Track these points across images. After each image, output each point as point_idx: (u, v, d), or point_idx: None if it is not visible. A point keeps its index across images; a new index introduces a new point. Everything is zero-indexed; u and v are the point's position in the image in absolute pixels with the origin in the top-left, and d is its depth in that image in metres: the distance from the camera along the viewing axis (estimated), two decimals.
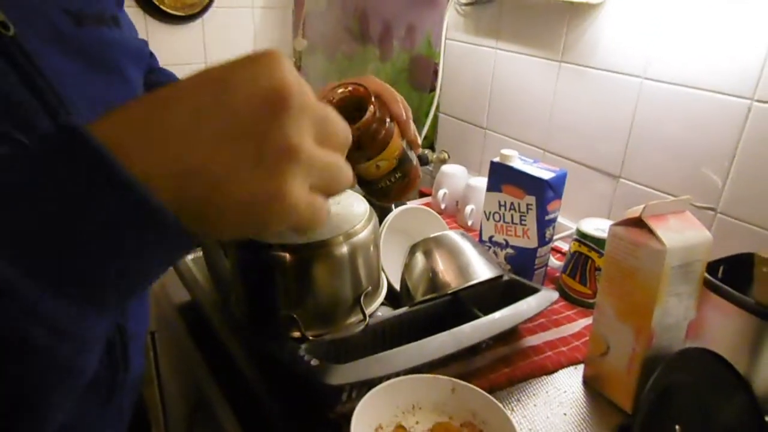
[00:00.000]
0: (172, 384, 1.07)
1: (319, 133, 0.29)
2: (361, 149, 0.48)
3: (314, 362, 0.59)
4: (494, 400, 0.57)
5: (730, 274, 0.67)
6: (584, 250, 0.83)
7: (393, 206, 0.87)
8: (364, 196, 0.55)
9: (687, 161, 0.84)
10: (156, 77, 0.67)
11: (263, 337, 0.66)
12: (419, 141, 0.58)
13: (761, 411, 0.60)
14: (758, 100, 0.74)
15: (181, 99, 0.26)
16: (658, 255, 0.58)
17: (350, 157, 0.46)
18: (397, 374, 0.59)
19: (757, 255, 0.57)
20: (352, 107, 0.48)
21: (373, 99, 0.48)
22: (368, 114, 0.47)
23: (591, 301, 0.85)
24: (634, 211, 0.61)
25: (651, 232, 0.59)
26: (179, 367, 0.94)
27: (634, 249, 0.61)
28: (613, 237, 0.63)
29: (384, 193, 0.52)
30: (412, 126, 0.55)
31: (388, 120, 0.49)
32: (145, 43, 0.61)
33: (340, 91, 0.49)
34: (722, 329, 0.66)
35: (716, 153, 0.80)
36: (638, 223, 0.60)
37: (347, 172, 0.31)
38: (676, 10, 0.82)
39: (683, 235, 0.59)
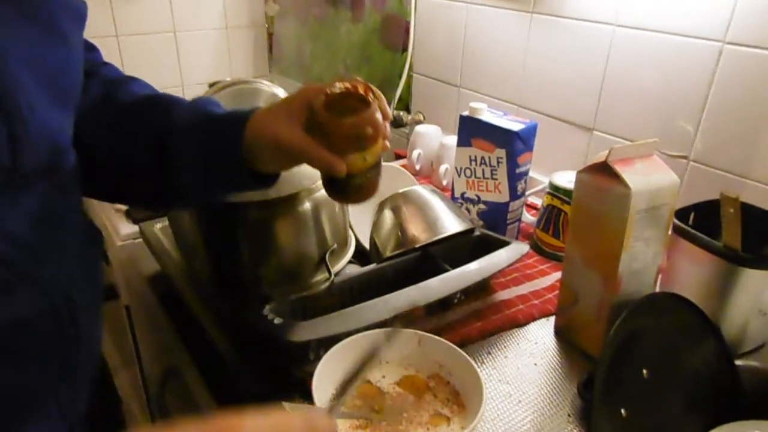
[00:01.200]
0: (147, 356, 1.06)
1: None
2: (358, 140, 0.49)
3: (277, 320, 0.58)
4: (460, 350, 0.57)
5: (700, 221, 0.66)
6: (557, 203, 0.82)
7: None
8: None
9: (660, 110, 0.83)
10: (123, 94, 0.57)
11: (228, 299, 0.65)
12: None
13: (730, 355, 0.60)
14: (729, 42, 0.73)
15: None
16: (623, 199, 0.57)
17: (344, 147, 0.49)
18: (363, 330, 0.58)
19: (723, 195, 0.56)
20: (347, 102, 0.51)
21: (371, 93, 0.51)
22: (372, 105, 0.50)
23: (563, 254, 0.84)
24: (600, 156, 0.59)
25: (616, 176, 0.58)
26: (152, 336, 0.93)
27: (600, 194, 0.59)
28: (580, 183, 0.62)
29: (359, 188, 0.53)
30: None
31: (380, 115, 0.51)
32: (84, 5, 0.55)
33: (338, 85, 0.51)
34: (692, 275, 0.65)
35: (688, 100, 0.79)
36: (604, 168, 0.59)
37: None
38: None
39: (649, 178, 0.58)
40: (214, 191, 0.57)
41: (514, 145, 0.78)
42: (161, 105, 0.55)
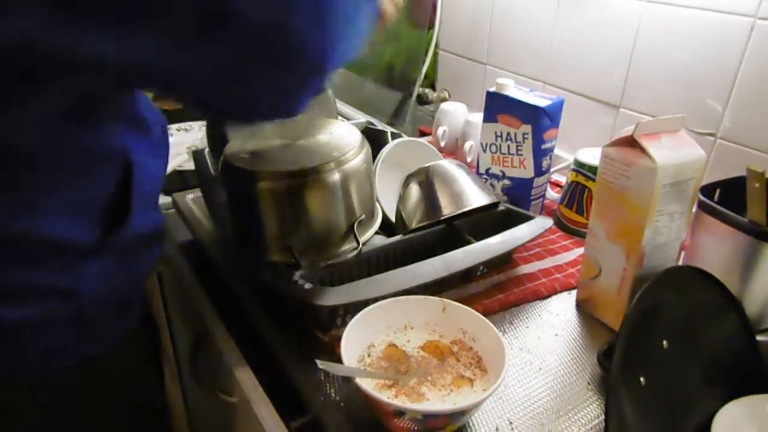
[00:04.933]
0: (178, 322, 1.10)
1: None
2: None
3: (308, 286, 0.60)
4: (483, 317, 0.58)
5: (725, 198, 0.66)
6: (581, 179, 0.83)
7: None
8: None
9: (688, 87, 0.83)
10: None
11: (259, 266, 0.67)
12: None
13: (751, 331, 0.61)
14: (761, 18, 0.72)
15: None
16: (649, 173, 0.58)
17: None
18: (389, 297, 0.60)
19: (749, 169, 0.57)
20: None
21: None
22: None
23: (586, 230, 0.85)
24: (627, 131, 0.60)
25: (643, 150, 0.58)
26: (184, 304, 0.97)
27: (626, 169, 0.60)
28: (605, 158, 0.62)
29: None
30: None
31: None
32: None
33: None
34: (716, 251, 0.66)
35: (718, 76, 0.78)
36: (630, 142, 0.59)
37: None
38: None
39: (675, 152, 0.59)
40: None
41: (540, 120, 0.79)
42: None
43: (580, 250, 0.82)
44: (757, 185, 0.56)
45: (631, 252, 0.62)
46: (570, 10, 0.97)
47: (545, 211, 0.92)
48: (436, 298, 0.60)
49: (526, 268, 0.77)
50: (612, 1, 0.90)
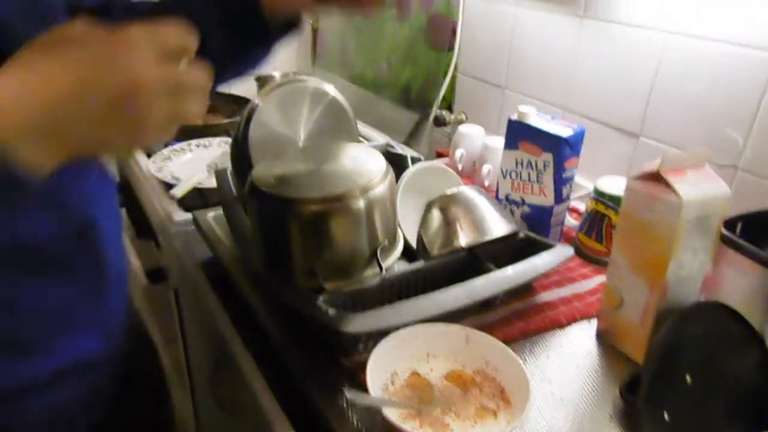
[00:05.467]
0: (195, 340, 1.10)
1: (157, 53, 0.35)
2: None
3: (332, 312, 0.61)
4: (507, 348, 0.59)
5: (747, 231, 0.67)
6: (601, 208, 0.83)
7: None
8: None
9: (708, 118, 0.83)
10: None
11: (283, 289, 0.68)
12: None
13: None
14: None
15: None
16: (674, 208, 0.58)
17: None
18: (412, 324, 0.60)
19: None
20: None
21: None
22: None
23: (607, 258, 0.85)
24: (652, 165, 0.61)
25: (668, 185, 0.59)
26: (202, 322, 0.97)
27: (651, 202, 0.61)
28: (630, 191, 0.63)
29: None
30: None
31: None
32: None
33: None
34: (738, 285, 0.66)
35: (738, 109, 0.79)
36: (655, 176, 0.60)
37: (195, 79, 0.38)
38: None
39: (700, 188, 0.59)
40: (234, 49, 0.59)
41: (561, 150, 0.79)
42: None
43: (600, 278, 0.82)
44: None
45: (654, 285, 0.62)
46: (591, 38, 0.98)
47: (564, 237, 0.92)
48: (459, 327, 0.61)
49: (545, 296, 0.77)
50: (635, 31, 0.91)
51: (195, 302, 0.99)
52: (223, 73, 0.57)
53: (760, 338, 0.61)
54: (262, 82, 1.53)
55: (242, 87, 1.41)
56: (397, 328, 0.59)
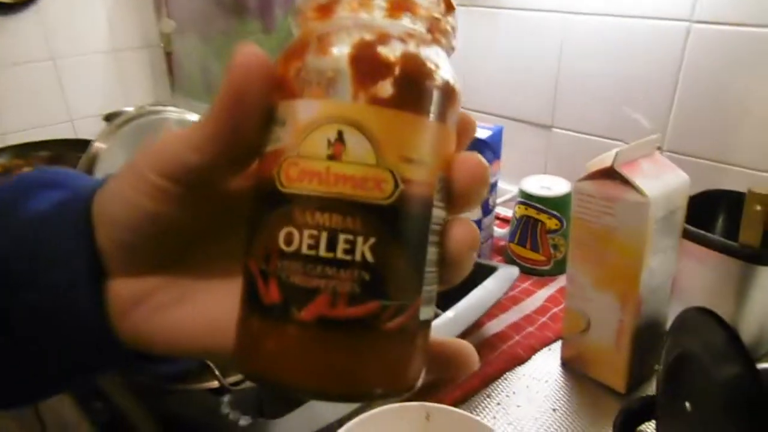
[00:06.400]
0: None
1: None
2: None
3: (243, 421, 0.44)
4: (476, 418, 0.46)
5: (690, 217, 0.60)
6: (532, 213, 0.74)
7: None
8: None
9: (624, 99, 0.77)
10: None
11: (172, 393, 0.50)
12: None
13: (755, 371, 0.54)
14: (697, 21, 0.67)
15: None
16: (639, 208, 0.49)
17: None
18: (356, 412, 0.45)
19: (750, 191, 0.50)
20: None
21: None
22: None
23: (545, 268, 0.76)
24: (602, 161, 0.51)
25: (626, 182, 0.49)
26: None
27: (608, 205, 0.51)
28: (580, 195, 0.53)
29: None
30: None
31: None
32: None
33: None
34: (701, 280, 0.59)
35: (656, 85, 0.73)
36: (608, 174, 0.50)
37: None
38: None
39: (661, 180, 0.51)
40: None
41: (482, 155, 0.69)
42: None
43: (544, 293, 0.72)
44: (758, 208, 0.50)
45: (626, 300, 0.52)
46: (482, 28, 0.89)
47: (494, 250, 0.82)
48: (416, 404, 0.47)
49: (492, 327, 0.66)
50: (528, 15, 0.83)
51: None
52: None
53: (737, 340, 0.54)
54: (113, 120, 1.29)
55: (90, 129, 1.18)
56: (339, 423, 0.44)
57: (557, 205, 0.73)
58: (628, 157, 0.51)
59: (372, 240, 0.18)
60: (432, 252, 0.20)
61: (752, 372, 0.52)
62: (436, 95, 0.20)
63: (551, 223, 0.73)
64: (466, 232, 0.21)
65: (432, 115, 0.20)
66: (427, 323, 0.21)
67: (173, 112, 0.73)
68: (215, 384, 0.48)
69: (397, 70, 0.19)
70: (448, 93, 0.20)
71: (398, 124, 0.19)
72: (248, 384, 0.48)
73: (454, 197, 0.21)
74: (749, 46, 0.65)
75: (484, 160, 0.21)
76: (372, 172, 0.18)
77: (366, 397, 0.20)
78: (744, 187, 0.65)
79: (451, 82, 0.21)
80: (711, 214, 0.67)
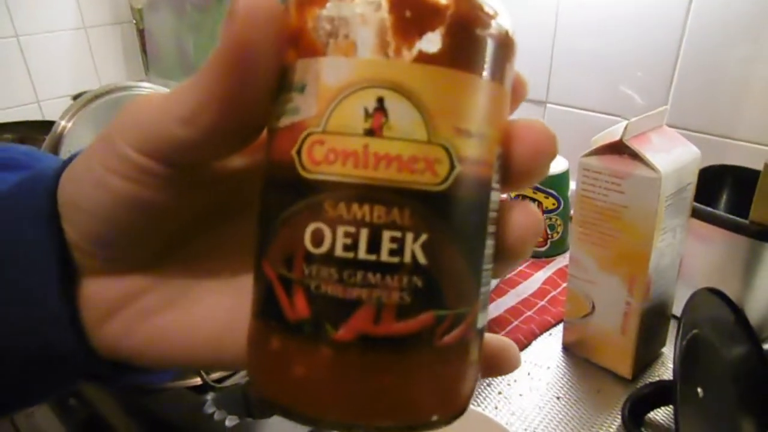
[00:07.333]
0: None
1: None
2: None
3: (230, 421, 0.41)
4: (486, 415, 0.43)
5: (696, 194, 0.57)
6: (528, 192, 0.71)
7: None
8: None
9: (622, 73, 0.74)
10: None
11: (151, 391, 0.46)
12: None
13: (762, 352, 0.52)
14: None
15: None
16: (650, 184, 0.46)
17: None
18: None
19: (767, 165, 0.47)
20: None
21: None
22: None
23: (542, 249, 0.73)
24: (610, 134, 0.48)
25: (636, 156, 0.46)
26: None
27: (617, 182, 0.48)
28: (586, 171, 0.50)
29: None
30: None
31: None
32: None
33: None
34: (708, 259, 0.57)
35: (656, 59, 0.70)
36: (616, 148, 0.47)
37: None
38: None
39: (672, 155, 0.47)
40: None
41: None
42: None
43: (542, 275, 0.70)
44: None
45: (634, 283, 0.50)
46: None
47: None
48: None
49: (490, 312, 0.63)
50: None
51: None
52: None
53: (745, 321, 0.52)
54: None
55: (58, 110, 1.11)
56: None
57: (554, 183, 0.70)
58: (637, 130, 0.47)
59: (424, 236, 0.14)
60: (489, 246, 0.16)
61: (759, 351, 0.51)
62: (495, 49, 0.15)
63: (548, 203, 0.70)
64: (529, 217, 0.17)
65: (490, 75, 0.15)
66: (482, 332, 0.17)
67: (147, 89, 0.68)
68: (197, 381, 0.44)
69: (449, 17, 0.14)
70: (508, 46, 0.16)
71: (453, 87, 0.14)
72: (233, 381, 0.45)
73: (513, 175, 0.17)
74: (751, 19, 0.62)
75: (550, 128, 0.17)
76: (422, 149, 0.14)
77: (421, 428, 0.16)
78: (747, 162, 0.63)
79: (511, 32, 0.16)
80: (715, 190, 0.64)
